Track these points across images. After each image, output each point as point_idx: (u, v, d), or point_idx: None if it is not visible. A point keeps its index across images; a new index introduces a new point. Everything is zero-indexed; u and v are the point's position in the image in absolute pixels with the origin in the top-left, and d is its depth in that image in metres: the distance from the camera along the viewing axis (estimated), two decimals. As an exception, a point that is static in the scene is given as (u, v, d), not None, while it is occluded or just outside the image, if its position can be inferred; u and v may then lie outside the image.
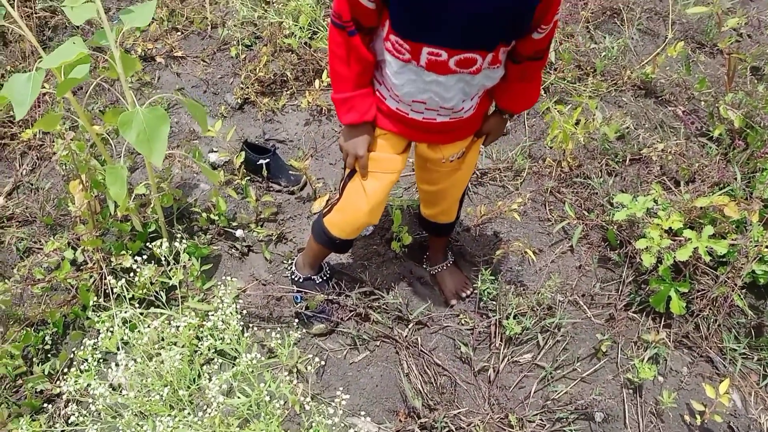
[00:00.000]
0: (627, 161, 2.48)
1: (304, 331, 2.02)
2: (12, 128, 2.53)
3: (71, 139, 1.88)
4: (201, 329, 1.75)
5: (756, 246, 1.92)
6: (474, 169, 2.04)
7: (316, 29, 2.87)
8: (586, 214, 2.32)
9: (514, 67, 1.53)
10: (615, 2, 3.15)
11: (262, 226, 2.31)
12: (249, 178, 2.40)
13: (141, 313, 1.79)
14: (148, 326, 1.70)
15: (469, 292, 2.13)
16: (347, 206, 1.77)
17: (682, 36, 3.04)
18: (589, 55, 2.90)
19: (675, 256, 1.94)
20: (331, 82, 1.56)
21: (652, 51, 2.99)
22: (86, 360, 1.65)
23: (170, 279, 1.89)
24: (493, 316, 2.03)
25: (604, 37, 3.01)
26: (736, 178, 2.20)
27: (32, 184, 2.40)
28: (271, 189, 2.44)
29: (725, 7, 3.09)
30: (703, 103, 2.67)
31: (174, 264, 1.92)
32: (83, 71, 1.71)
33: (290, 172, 2.44)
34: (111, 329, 1.69)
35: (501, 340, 2.00)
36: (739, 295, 1.97)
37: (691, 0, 3.10)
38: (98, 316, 1.73)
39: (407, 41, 1.40)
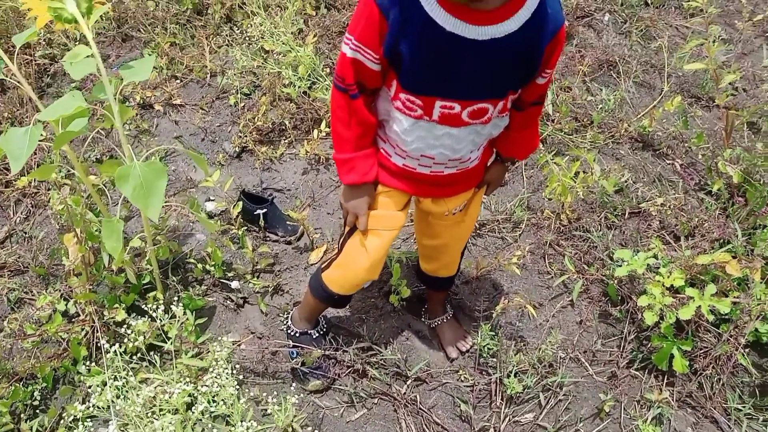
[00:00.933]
0: (626, 215, 2.48)
1: (300, 387, 1.97)
2: (7, 175, 2.51)
3: (67, 193, 1.86)
4: (195, 390, 1.70)
5: (759, 304, 1.90)
6: (476, 220, 2.03)
7: (315, 79, 2.89)
8: (586, 267, 2.30)
9: (518, 115, 1.53)
10: (611, 55, 3.18)
11: (258, 277, 2.28)
12: (246, 227, 2.38)
13: (133, 368, 1.75)
14: (141, 386, 1.65)
15: (468, 347, 2.10)
16: (347, 262, 1.75)
17: (678, 89, 3.07)
18: (586, 108, 2.92)
19: (678, 314, 1.91)
20: (333, 143, 1.55)
21: (648, 103, 3.01)
22: (77, 419, 1.59)
23: (165, 334, 1.85)
24: (494, 374, 1.99)
25: (601, 90, 3.03)
26: (736, 235, 2.19)
27: (26, 233, 2.36)
28: (268, 239, 2.42)
29: (720, 61, 3.13)
30: (701, 157, 2.68)
31: (168, 320, 1.88)
32: (81, 124, 1.69)
33: (287, 222, 2.42)
34: (102, 389, 1.64)
35: (502, 399, 1.96)
36: (743, 354, 1.94)
37: (687, 53, 3.14)
38: (89, 375, 1.69)
39: (420, 97, 1.39)
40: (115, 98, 1.72)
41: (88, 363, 1.91)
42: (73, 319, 2.03)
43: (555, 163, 2.35)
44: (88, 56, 1.69)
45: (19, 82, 1.78)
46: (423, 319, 2.17)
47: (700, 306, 1.90)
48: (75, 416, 1.58)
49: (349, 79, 1.40)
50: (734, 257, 2.01)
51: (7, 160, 2.42)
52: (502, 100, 1.42)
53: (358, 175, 1.55)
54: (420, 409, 1.95)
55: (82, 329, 1.98)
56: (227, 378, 1.63)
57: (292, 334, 2.02)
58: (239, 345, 2.07)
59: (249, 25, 3.03)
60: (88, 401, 1.61)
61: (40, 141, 1.73)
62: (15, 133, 1.66)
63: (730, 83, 2.91)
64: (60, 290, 2.07)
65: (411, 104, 1.41)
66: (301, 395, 1.96)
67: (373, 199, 1.64)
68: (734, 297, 1.95)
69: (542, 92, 1.50)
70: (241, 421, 1.59)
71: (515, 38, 1.29)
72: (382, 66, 1.37)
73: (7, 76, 1.82)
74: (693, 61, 2.65)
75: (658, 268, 2.05)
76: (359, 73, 1.39)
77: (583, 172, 2.42)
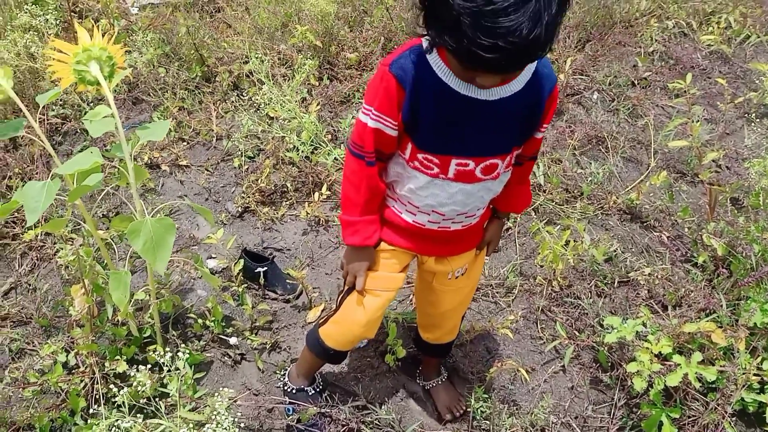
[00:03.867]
0: (615, 283, 2.55)
1: (295, 445, 1.99)
2: (14, 228, 2.57)
3: (80, 245, 1.92)
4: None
5: (744, 373, 1.96)
6: (477, 283, 2.09)
7: (317, 145, 3.00)
8: (577, 333, 2.36)
9: (517, 170, 1.65)
10: (599, 131, 3.33)
11: (256, 334, 2.32)
12: (246, 285, 2.44)
13: (134, 420, 1.76)
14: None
15: (462, 410, 2.13)
16: (344, 319, 1.80)
17: (664, 165, 3.20)
18: (576, 179, 3.03)
19: (665, 381, 1.96)
20: (341, 204, 1.64)
21: (636, 177, 3.13)
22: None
23: (165, 386, 1.88)
24: (486, 436, 2.02)
25: (590, 163, 3.16)
26: (721, 305, 2.27)
27: (30, 285, 2.41)
28: (267, 297, 2.47)
29: (703, 139, 3.28)
30: (686, 230, 2.79)
31: (168, 372, 1.91)
32: (96, 179, 1.78)
33: (287, 280, 2.48)
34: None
35: (494, 461, 1.98)
36: (730, 423, 1.98)
37: (672, 132, 3.29)
38: (87, 427, 1.71)
39: (437, 156, 1.48)
40: (131, 157, 1.81)
41: (85, 414, 1.93)
42: (73, 371, 2.05)
43: (547, 231, 2.45)
44: (107, 116, 1.79)
45: (39, 138, 1.87)
46: (418, 381, 2.21)
47: (687, 373, 1.95)
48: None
49: (369, 147, 1.49)
50: (720, 327, 2.08)
51: (17, 214, 2.53)
52: (509, 155, 1.54)
53: (361, 238, 1.63)
54: (413, 470, 1.96)
55: (81, 380, 2.01)
56: (229, 427, 1.65)
57: (289, 390, 2.05)
58: (235, 401, 2.09)
59: (256, 93, 3.17)
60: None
61: (51, 196, 1.80)
62: (33, 186, 1.73)
63: (713, 160, 3.05)
64: (62, 341, 2.10)
65: (429, 163, 1.50)
66: (296, 453, 1.97)
67: (374, 261, 1.71)
68: (720, 365, 2.01)
69: (537, 147, 1.64)
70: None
71: (521, 96, 1.43)
72: (399, 131, 1.48)
73: (23, 134, 1.91)
74: (678, 139, 2.79)
75: (647, 335, 2.11)
76: (379, 141, 1.49)
77: (574, 240, 2.51)
